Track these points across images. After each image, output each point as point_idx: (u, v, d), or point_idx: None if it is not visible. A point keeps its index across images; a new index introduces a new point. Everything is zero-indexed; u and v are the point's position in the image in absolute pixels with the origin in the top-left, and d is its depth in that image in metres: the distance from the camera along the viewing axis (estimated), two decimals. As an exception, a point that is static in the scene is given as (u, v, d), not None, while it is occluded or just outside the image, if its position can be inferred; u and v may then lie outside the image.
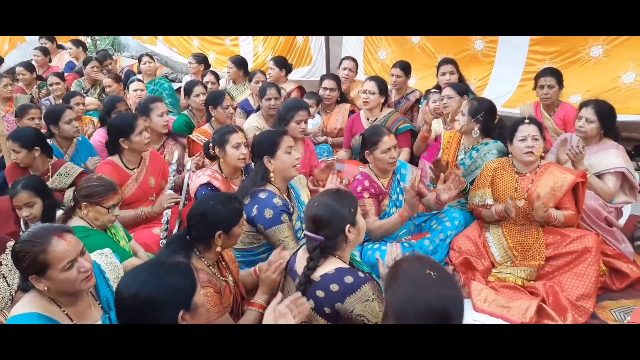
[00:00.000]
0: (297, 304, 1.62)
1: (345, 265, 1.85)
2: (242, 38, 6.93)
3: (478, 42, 4.85)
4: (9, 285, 2.21)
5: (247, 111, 4.71)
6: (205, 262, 2.07)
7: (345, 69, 5.01)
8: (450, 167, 3.02)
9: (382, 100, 4.05)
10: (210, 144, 3.02)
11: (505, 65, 4.72)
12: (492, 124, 3.24)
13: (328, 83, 4.56)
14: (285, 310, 1.54)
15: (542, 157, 2.95)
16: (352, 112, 4.58)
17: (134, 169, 3.20)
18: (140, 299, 1.39)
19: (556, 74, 3.73)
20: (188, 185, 3.00)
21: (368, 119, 4.08)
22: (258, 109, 4.28)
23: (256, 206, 2.48)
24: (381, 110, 4.09)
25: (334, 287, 1.77)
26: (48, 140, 3.48)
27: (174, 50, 7.88)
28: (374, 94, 3.97)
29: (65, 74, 6.30)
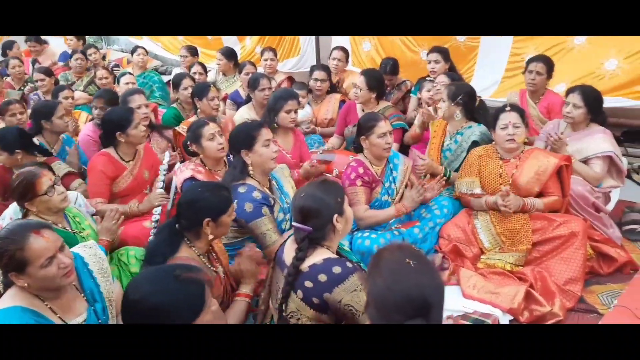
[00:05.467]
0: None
1: (334, 256, 1.86)
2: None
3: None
4: (-5, 281, 2.20)
5: (238, 102, 4.68)
6: (196, 252, 2.06)
7: (334, 59, 4.98)
8: (437, 154, 3.00)
9: (373, 95, 3.97)
10: (188, 142, 2.99)
11: (489, 56, 4.67)
12: (473, 106, 3.27)
13: (318, 74, 4.53)
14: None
15: (526, 143, 2.97)
16: (342, 102, 4.56)
17: (129, 161, 3.19)
18: (158, 310, 1.35)
19: (548, 62, 3.71)
20: (176, 187, 2.97)
21: (364, 111, 4.01)
22: (248, 101, 4.25)
23: (236, 201, 2.47)
24: (377, 104, 4.04)
25: (322, 278, 1.77)
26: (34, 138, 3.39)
27: (158, 45, 7.84)
28: (361, 89, 3.93)
29: (60, 63, 6.26)
